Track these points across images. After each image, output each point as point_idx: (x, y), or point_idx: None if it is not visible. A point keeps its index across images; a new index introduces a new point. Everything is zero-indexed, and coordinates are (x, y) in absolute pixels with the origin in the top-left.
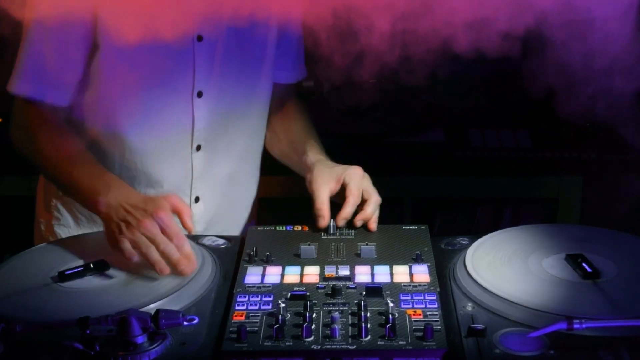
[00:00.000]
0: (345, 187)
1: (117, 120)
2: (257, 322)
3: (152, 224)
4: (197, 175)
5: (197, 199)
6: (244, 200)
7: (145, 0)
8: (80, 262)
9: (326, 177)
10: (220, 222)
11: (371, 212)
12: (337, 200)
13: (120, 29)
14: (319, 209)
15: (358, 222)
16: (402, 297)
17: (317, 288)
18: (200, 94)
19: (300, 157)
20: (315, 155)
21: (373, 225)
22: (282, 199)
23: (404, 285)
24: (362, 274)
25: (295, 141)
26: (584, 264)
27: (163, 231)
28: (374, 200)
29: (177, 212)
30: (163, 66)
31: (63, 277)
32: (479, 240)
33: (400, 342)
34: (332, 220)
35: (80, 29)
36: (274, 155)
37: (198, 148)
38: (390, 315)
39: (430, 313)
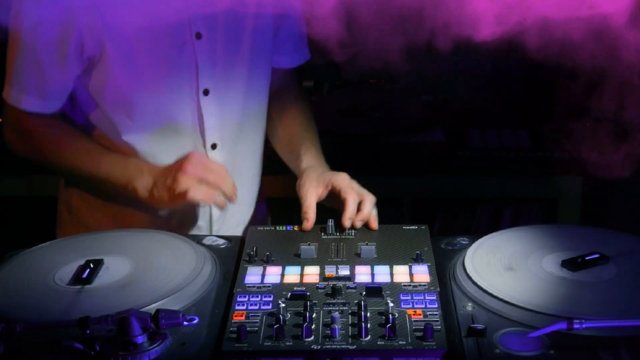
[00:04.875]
0: (338, 191)
1: (130, 120)
2: (257, 322)
3: (194, 165)
4: None
5: None
6: (250, 196)
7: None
8: (80, 262)
9: (314, 183)
10: (233, 221)
11: (368, 210)
12: (334, 206)
13: (119, 31)
14: (305, 212)
15: (358, 222)
16: (402, 297)
17: (317, 288)
18: (206, 92)
19: (295, 159)
20: (308, 160)
21: (374, 224)
22: (282, 199)
23: (404, 285)
24: (362, 274)
25: (292, 142)
26: (587, 258)
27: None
28: (369, 199)
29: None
30: (166, 67)
31: (86, 280)
32: (479, 240)
33: (400, 342)
34: (330, 220)
35: (74, 37)
36: (274, 148)
37: (214, 147)
38: (390, 315)
39: (430, 313)
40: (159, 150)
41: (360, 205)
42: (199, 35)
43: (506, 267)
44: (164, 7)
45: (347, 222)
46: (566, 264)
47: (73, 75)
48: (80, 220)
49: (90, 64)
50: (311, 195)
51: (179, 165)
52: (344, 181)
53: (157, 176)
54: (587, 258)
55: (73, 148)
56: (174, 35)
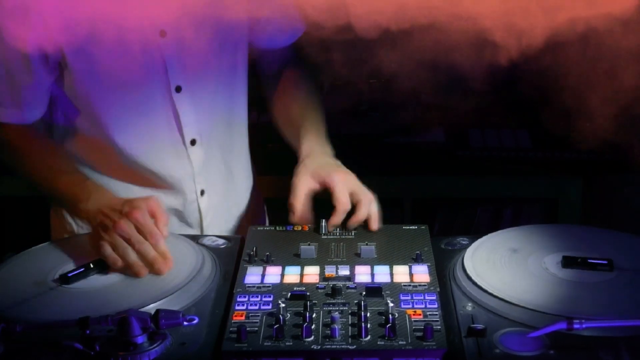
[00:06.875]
0: (331, 192)
1: (103, 124)
2: (257, 322)
3: (127, 224)
4: (198, 170)
5: (202, 192)
6: (244, 188)
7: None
8: (81, 262)
9: (308, 176)
10: (224, 215)
11: (364, 213)
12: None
13: (83, 33)
14: (290, 204)
15: (351, 225)
16: (402, 297)
17: (317, 288)
18: (178, 89)
19: (296, 143)
20: (308, 145)
21: (373, 224)
22: (282, 199)
23: (404, 285)
24: (362, 274)
25: (293, 124)
26: (593, 261)
27: (138, 230)
28: (365, 200)
29: (152, 216)
30: (131, 67)
31: (66, 279)
32: (479, 240)
33: (400, 342)
34: (323, 220)
35: (32, 44)
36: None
37: (193, 142)
38: (390, 315)
39: (430, 313)
40: (140, 149)
41: (356, 207)
42: (163, 33)
43: (510, 249)
44: (124, 8)
45: (330, 228)
46: (565, 260)
47: (46, 83)
48: (72, 220)
49: (60, 70)
50: (301, 188)
51: (118, 214)
52: (338, 184)
53: (101, 206)
54: (589, 260)
55: (37, 162)
56: (136, 35)
